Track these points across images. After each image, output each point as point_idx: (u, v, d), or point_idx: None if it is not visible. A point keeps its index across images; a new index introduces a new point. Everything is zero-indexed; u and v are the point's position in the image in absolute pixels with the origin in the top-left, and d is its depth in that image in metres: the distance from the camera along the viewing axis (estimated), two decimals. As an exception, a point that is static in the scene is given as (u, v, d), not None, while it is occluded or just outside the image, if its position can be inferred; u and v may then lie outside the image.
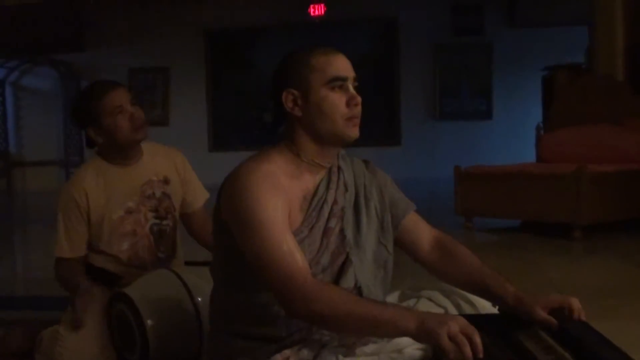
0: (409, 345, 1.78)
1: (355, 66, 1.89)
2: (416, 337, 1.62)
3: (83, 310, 2.50)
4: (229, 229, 1.81)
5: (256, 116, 11.81)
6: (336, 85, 1.83)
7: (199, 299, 2.41)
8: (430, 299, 2.03)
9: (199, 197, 2.91)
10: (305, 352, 1.74)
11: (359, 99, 1.85)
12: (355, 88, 1.88)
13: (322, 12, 11.67)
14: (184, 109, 12.17)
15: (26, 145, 12.54)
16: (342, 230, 1.90)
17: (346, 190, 1.95)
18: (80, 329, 2.49)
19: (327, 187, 1.92)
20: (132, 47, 12.15)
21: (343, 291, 1.78)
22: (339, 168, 1.97)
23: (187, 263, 2.86)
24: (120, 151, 2.71)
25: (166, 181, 2.79)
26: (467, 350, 1.55)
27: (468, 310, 2.01)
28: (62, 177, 11.61)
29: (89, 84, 2.77)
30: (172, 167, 2.83)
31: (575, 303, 1.82)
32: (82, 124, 2.71)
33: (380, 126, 11.66)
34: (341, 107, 1.83)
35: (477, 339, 1.57)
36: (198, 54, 12.19)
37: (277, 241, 1.71)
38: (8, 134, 12.45)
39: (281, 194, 1.79)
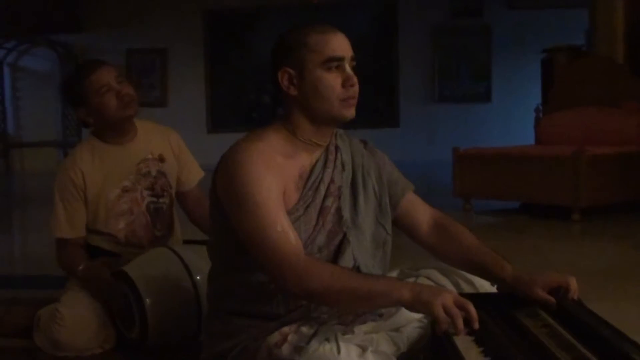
0: (407, 324, 1.79)
1: (354, 48, 1.86)
2: (410, 306, 1.64)
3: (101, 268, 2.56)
4: (225, 208, 1.80)
5: (254, 98, 11.78)
6: (332, 66, 1.80)
7: (198, 278, 2.42)
8: (428, 278, 2.03)
9: (194, 175, 2.90)
10: (304, 330, 1.75)
11: (355, 79, 1.83)
12: (353, 68, 1.85)
13: (322, -7, 11.59)
14: (183, 90, 12.11)
15: (24, 126, 12.49)
16: (338, 210, 1.90)
17: (343, 169, 1.94)
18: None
19: (324, 166, 1.90)
20: (131, 28, 12.07)
21: (336, 267, 1.79)
22: (336, 147, 1.96)
23: (186, 242, 2.87)
24: (112, 129, 2.71)
25: (161, 159, 2.79)
26: (460, 322, 1.57)
27: (467, 289, 2.01)
28: (60, 157, 11.56)
29: (75, 66, 2.76)
30: (167, 146, 2.83)
31: (573, 282, 1.82)
32: (73, 105, 2.72)
33: (378, 108, 11.64)
34: (337, 88, 1.81)
35: (472, 309, 1.59)
36: (196, 35, 12.11)
37: (271, 221, 1.71)
38: (6, 115, 12.40)
39: (276, 172, 1.78)
